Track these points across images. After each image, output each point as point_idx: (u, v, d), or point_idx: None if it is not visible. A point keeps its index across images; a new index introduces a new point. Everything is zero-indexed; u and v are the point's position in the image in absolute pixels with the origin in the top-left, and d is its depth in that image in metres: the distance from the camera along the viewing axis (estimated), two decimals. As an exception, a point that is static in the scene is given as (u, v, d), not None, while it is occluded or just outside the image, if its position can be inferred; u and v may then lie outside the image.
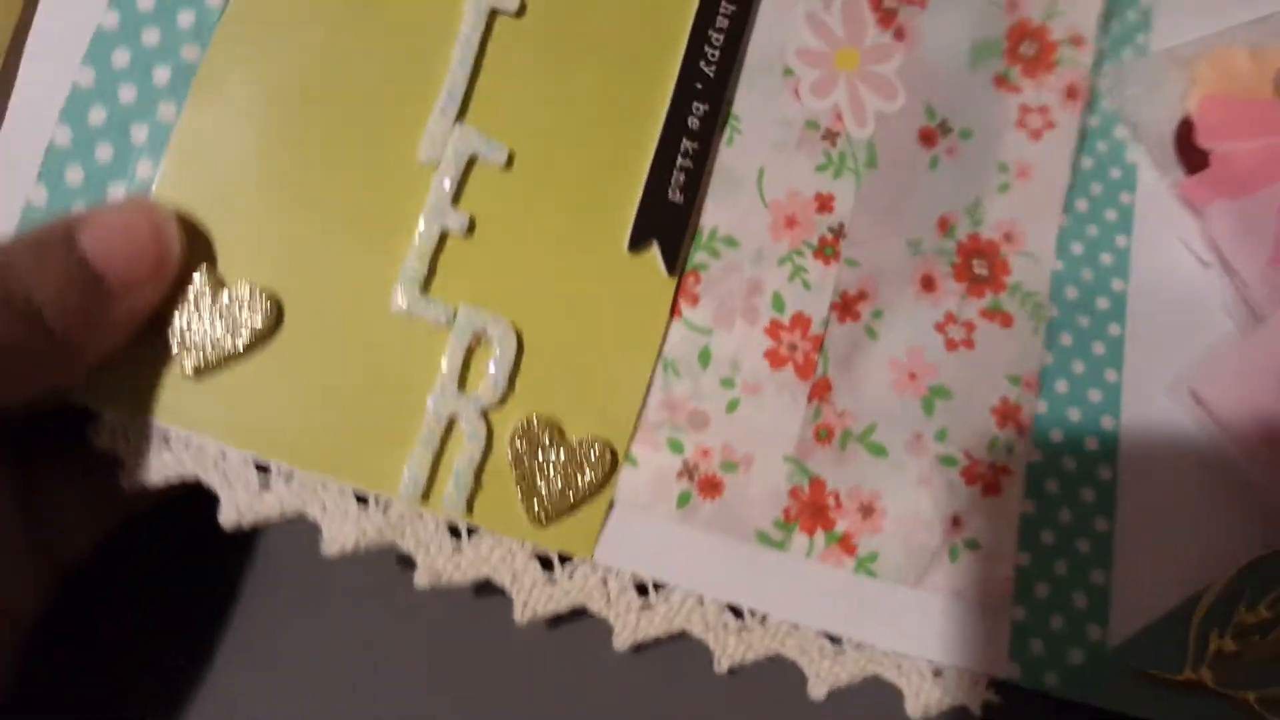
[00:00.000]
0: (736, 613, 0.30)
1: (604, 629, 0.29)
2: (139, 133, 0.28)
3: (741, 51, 0.31)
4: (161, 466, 0.27)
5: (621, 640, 0.29)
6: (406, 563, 0.28)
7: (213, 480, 0.27)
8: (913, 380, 0.31)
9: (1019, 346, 0.32)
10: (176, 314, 0.27)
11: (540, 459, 0.28)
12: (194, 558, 0.31)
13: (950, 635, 0.30)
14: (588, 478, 0.28)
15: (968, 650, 0.30)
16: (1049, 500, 0.31)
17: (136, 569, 0.31)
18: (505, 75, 0.29)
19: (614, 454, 0.29)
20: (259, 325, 0.27)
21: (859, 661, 0.30)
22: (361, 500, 0.28)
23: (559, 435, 0.29)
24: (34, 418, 0.27)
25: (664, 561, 0.29)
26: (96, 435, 0.27)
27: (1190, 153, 0.33)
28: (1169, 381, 0.32)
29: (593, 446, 0.29)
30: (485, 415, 0.28)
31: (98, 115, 0.28)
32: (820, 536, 0.30)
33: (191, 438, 0.27)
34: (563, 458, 0.28)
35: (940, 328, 0.31)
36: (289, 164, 0.28)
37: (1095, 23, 0.34)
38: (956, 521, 0.30)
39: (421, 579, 0.28)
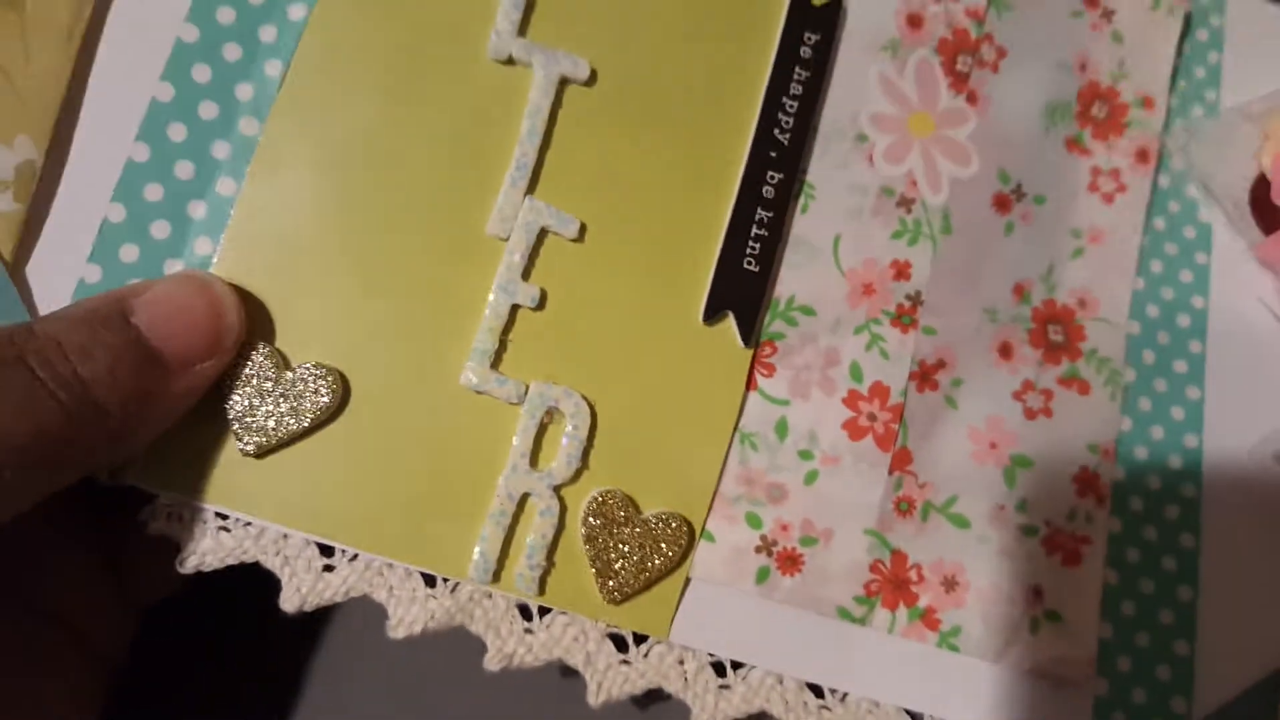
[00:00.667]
0: (815, 690, 0.29)
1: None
2: (197, 209, 0.27)
3: (816, 118, 0.30)
4: (219, 550, 0.26)
5: (700, 721, 0.29)
6: (476, 642, 0.27)
7: (274, 564, 0.27)
8: (993, 450, 0.30)
9: (1097, 415, 0.31)
10: (236, 393, 0.26)
11: (615, 536, 0.27)
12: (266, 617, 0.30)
13: (1032, 711, 0.29)
14: (664, 554, 0.27)
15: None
16: (1130, 570, 0.30)
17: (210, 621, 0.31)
18: (575, 145, 0.29)
19: (691, 529, 0.28)
20: (323, 404, 0.26)
21: None
22: (429, 581, 0.27)
23: (634, 511, 0.28)
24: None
25: (742, 640, 0.28)
26: (152, 518, 0.26)
27: (1266, 210, 0.32)
28: (1251, 445, 0.32)
29: (669, 523, 0.28)
30: (558, 492, 0.28)
31: (154, 192, 0.27)
32: (903, 612, 0.29)
33: (251, 520, 0.26)
34: (638, 534, 0.28)
35: (1019, 396, 0.30)
36: (351, 238, 0.27)
37: (1164, 83, 0.33)
38: (1038, 592, 0.29)
39: (492, 662, 0.27)
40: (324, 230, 0.27)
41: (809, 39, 0.30)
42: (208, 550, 0.26)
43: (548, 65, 0.28)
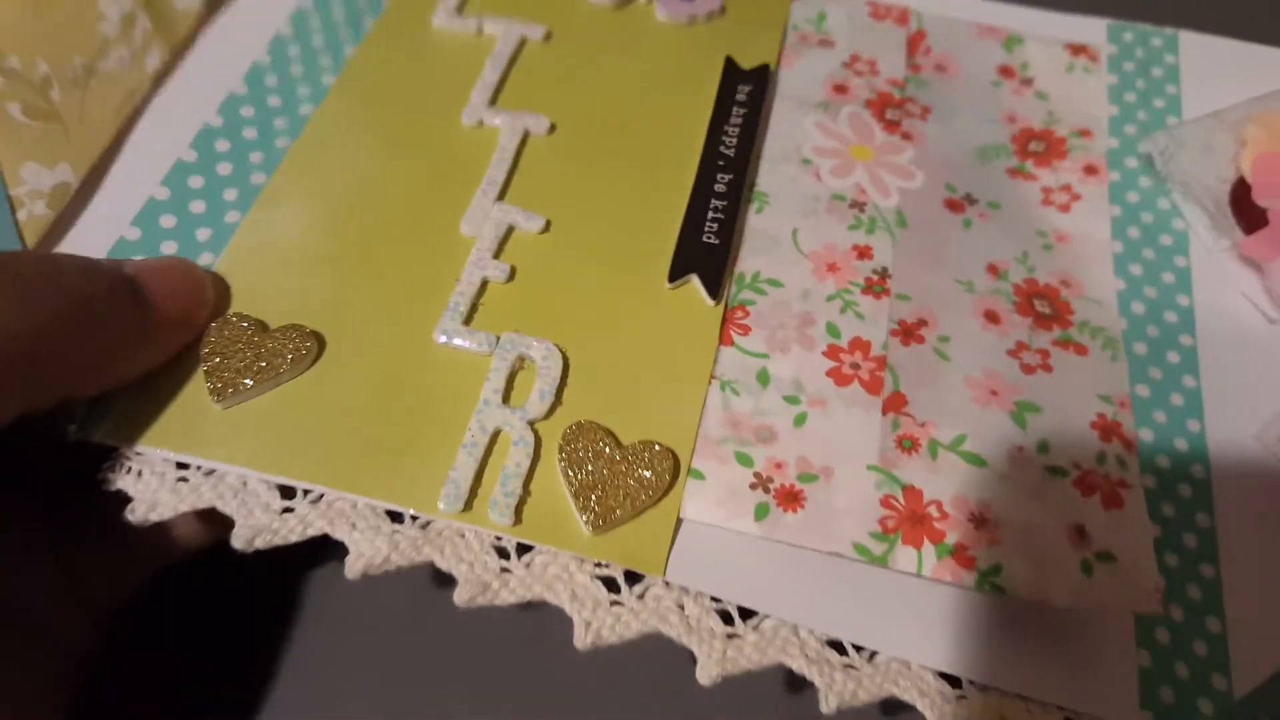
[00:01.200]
0: (835, 646, 0.25)
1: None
2: (203, 233, 0.30)
3: (758, 146, 0.33)
4: (174, 499, 0.25)
5: (708, 673, 0.24)
6: (445, 584, 0.25)
7: (230, 508, 0.25)
8: (995, 396, 0.28)
9: (1101, 371, 0.29)
10: (211, 347, 0.27)
11: (594, 462, 0.26)
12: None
13: (1077, 682, 0.25)
14: (647, 481, 0.25)
15: (1097, 697, 0.25)
16: (1155, 545, 0.27)
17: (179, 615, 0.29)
18: (539, 173, 0.32)
19: (674, 458, 0.26)
20: (296, 357, 0.27)
21: (983, 708, 0.24)
22: (395, 519, 0.25)
23: (612, 440, 0.26)
24: (64, 473, 0.27)
25: (748, 585, 0.25)
26: (112, 473, 0.26)
27: (1247, 212, 0.33)
28: (1253, 431, 0.30)
29: (651, 447, 0.26)
30: (532, 426, 0.26)
31: (168, 220, 0.30)
32: (929, 550, 0.25)
33: (212, 468, 0.26)
34: (617, 460, 0.26)
35: (1013, 354, 0.29)
36: (336, 244, 0.30)
37: (1101, 115, 0.36)
38: (1082, 533, 0.26)
39: (463, 595, 0.24)
40: (313, 239, 0.30)
41: (742, 89, 0.34)
42: (163, 500, 0.25)
43: (513, 123, 0.33)
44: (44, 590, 0.26)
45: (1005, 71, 0.37)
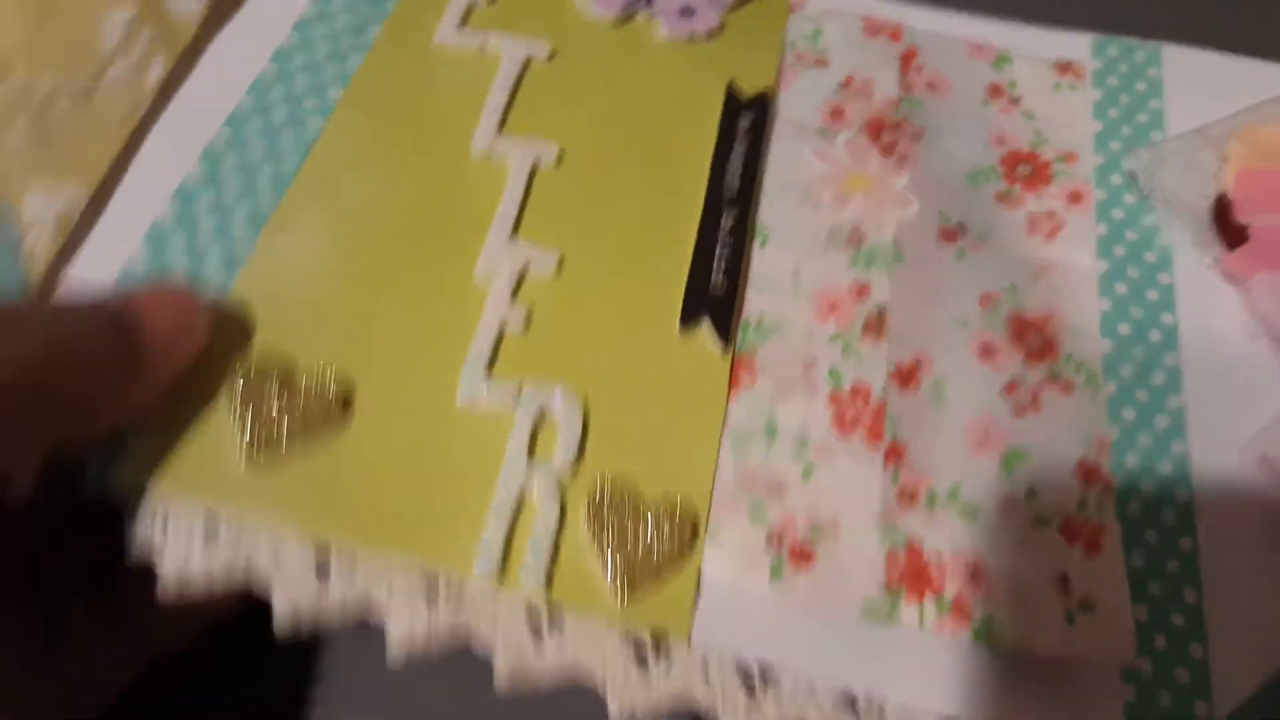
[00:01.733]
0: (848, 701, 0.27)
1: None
2: (213, 257, 0.30)
3: (760, 177, 0.34)
4: (207, 560, 0.26)
5: (732, 734, 0.26)
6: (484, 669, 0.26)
7: (266, 570, 0.26)
8: (986, 444, 0.30)
9: (1082, 411, 0.31)
10: (240, 397, 0.27)
11: (618, 518, 0.27)
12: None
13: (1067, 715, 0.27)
14: (668, 535, 0.27)
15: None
16: (1137, 575, 0.29)
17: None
18: (549, 207, 0.32)
19: (694, 516, 0.27)
20: (327, 415, 0.27)
21: None
22: (431, 594, 0.26)
23: (635, 496, 0.27)
24: (58, 555, 0.26)
25: (766, 642, 0.27)
26: (139, 525, 0.26)
27: (1229, 228, 0.34)
28: (1237, 449, 0.32)
29: (673, 505, 0.27)
30: (558, 486, 0.27)
31: (178, 241, 0.30)
32: (930, 604, 0.27)
33: (243, 528, 0.26)
34: (643, 515, 0.27)
35: (1007, 392, 0.31)
36: (355, 279, 0.30)
37: (1086, 138, 0.37)
38: (1065, 581, 0.28)
39: (503, 678, 0.25)
40: (328, 271, 0.30)
41: (744, 120, 0.35)
42: (193, 561, 0.25)
43: (522, 152, 0.33)
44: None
45: (994, 90, 0.38)
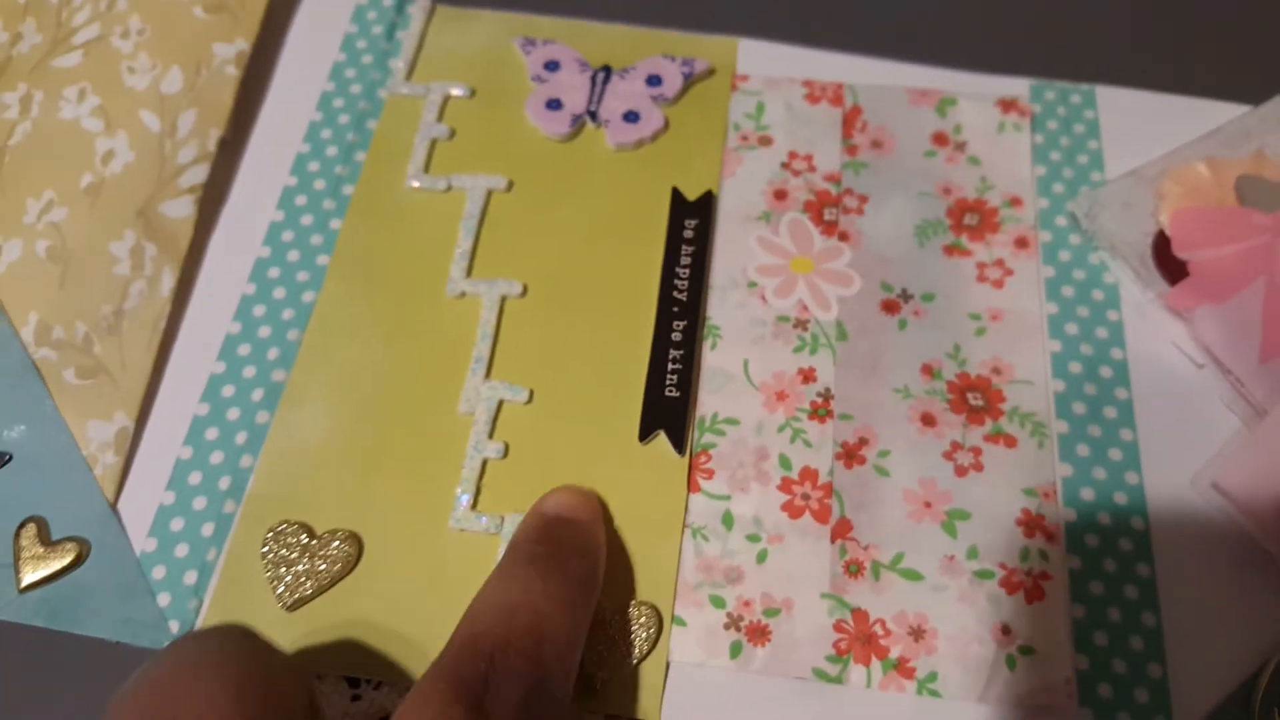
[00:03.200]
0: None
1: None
2: (240, 437, 0.35)
3: (707, 277, 0.37)
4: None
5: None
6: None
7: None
8: (928, 509, 0.33)
9: (1027, 462, 0.34)
10: (271, 557, 0.32)
11: (597, 630, 0.31)
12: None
13: None
14: (640, 638, 0.31)
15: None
16: (1096, 602, 0.32)
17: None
18: (518, 338, 0.37)
19: (659, 615, 0.32)
20: (343, 559, 0.32)
21: None
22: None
23: (604, 607, 0.32)
24: None
25: (729, 714, 0.31)
26: None
27: (1169, 264, 0.36)
28: (1189, 477, 0.34)
29: (641, 609, 0.31)
30: None
31: (211, 433, 0.35)
32: (876, 666, 0.31)
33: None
34: (615, 625, 0.31)
35: (948, 456, 0.34)
36: (357, 438, 0.35)
37: (1029, 181, 0.39)
38: (1006, 631, 0.31)
39: None
40: (336, 437, 0.35)
41: (689, 224, 0.38)
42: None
43: (490, 291, 0.37)
44: None
45: (939, 139, 0.40)
